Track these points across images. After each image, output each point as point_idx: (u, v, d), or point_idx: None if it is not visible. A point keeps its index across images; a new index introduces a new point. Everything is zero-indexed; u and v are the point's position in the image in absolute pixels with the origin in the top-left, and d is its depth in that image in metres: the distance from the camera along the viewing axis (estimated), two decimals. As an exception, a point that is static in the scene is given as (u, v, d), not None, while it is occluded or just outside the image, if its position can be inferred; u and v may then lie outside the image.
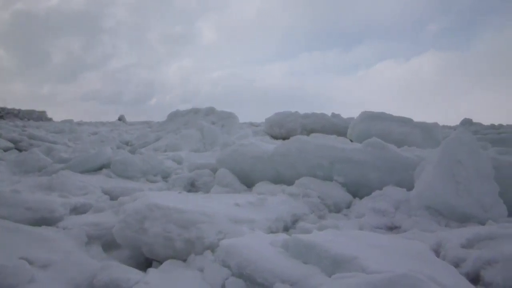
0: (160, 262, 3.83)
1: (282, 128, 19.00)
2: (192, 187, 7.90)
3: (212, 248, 3.67)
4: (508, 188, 5.01)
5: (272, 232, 4.42)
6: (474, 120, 25.14)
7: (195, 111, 20.08)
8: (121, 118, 50.75)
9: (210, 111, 19.66)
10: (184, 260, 3.74)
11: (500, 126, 23.56)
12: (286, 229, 4.81)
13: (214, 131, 14.88)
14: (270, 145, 7.79)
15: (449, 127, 24.65)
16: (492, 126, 23.22)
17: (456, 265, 3.17)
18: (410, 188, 5.40)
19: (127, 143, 17.39)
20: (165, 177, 8.63)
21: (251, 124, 30.05)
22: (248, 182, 7.36)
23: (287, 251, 3.31)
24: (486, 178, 4.81)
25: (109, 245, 4.44)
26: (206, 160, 9.58)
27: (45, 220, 4.64)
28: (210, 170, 8.21)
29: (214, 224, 3.86)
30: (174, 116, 20.42)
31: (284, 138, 9.51)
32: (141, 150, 12.64)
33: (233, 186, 7.11)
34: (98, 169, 8.78)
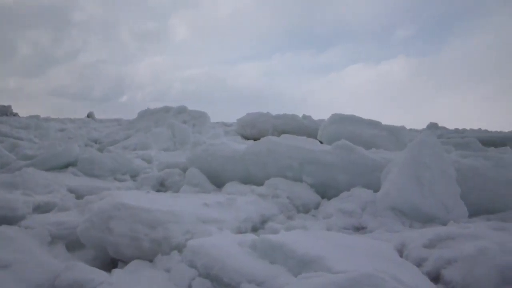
0: (126, 263, 3.76)
1: (253, 129, 19.04)
2: (161, 186, 7.80)
3: (180, 248, 3.64)
4: (469, 190, 5.20)
5: (240, 232, 4.42)
6: (440, 124, 25.95)
7: (166, 110, 19.87)
8: (90, 115, 49.51)
9: (182, 110, 19.49)
10: (151, 261, 3.70)
11: (464, 130, 24.44)
12: (254, 230, 4.82)
13: (185, 130, 14.74)
14: (241, 145, 7.79)
15: (416, 131, 25.33)
16: (456, 131, 24.05)
17: (419, 264, 3.26)
18: (377, 189, 5.51)
19: (95, 141, 17.00)
20: (134, 176, 8.49)
21: (223, 124, 29.95)
22: (218, 182, 7.34)
23: (254, 251, 3.33)
24: (449, 180, 4.97)
25: (73, 245, 4.32)
26: (176, 160, 9.47)
27: (7, 219, 4.49)
28: (180, 170, 8.13)
29: (181, 224, 3.83)
30: (145, 114, 20.14)
31: (255, 139, 9.54)
32: (110, 148, 12.39)
33: (203, 186, 7.07)
34: (64, 167, 8.54)
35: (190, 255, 3.35)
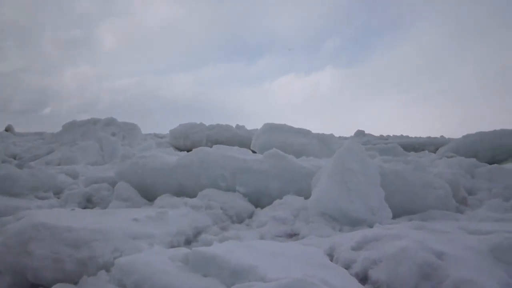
0: None
1: (187, 140, 18.84)
2: (88, 203, 7.39)
3: (107, 267, 3.46)
4: (392, 193, 5.50)
5: (173, 246, 4.30)
6: (366, 132, 27.43)
7: (94, 122, 19.01)
8: (8, 129, 45.89)
9: (110, 122, 18.76)
10: (76, 283, 3.46)
11: (388, 136, 26.04)
12: (188, 243, 4.72)
13: (113, 142, 14.18)
14: (173, 157, 7.62)
15: (345, 138, 26.48)
16: (381, 137, 25.57)
17: (347, 266, 3.37)
18: (308, 196, 5.65)
19: (14, 157, 15.81)
20: (58, 193, 7.96)
21: (156, 136, 29.24)
22: (150, 196, 7.11)
23: (186, 265, 3.25)
24: (373, 184, 5.22)
25: (-14, 271, 3.94)
26: (104, 174, 9.05)
27: None
28: (109, 184, 7.76)
29: (109, 241, 3.64)
30: (70, 126, 19.09)
31: (189, 150, 9.44)
32: (31, 164, 11.58)
33: (134, 200, 6.80)
34: (-23, 186, 7.82)
35: (119, 274, 3.19)
